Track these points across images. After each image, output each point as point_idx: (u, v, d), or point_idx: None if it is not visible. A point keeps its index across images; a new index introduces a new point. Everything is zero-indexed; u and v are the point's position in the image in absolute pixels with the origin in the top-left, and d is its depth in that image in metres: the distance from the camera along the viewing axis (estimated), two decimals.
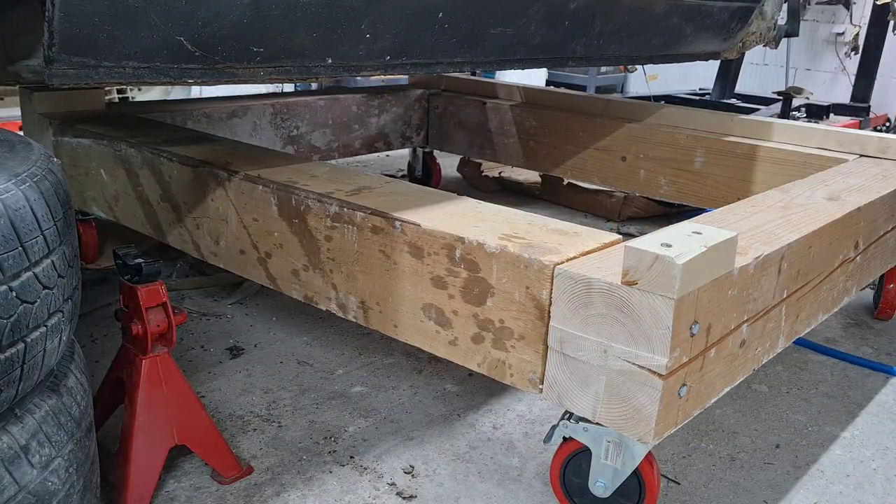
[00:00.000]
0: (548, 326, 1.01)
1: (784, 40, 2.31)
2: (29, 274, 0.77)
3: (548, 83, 5.07)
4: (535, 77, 4.78)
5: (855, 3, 4.25)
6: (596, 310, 0.96)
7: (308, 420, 1.38)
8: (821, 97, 4.84)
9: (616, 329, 0.95)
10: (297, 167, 1.43)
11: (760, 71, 5.05)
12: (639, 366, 0.93)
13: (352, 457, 1.28)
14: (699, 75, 4.52)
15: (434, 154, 2.90)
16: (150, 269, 1.11)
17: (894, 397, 1.56)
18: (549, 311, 1.01)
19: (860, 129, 4.71)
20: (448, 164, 3.02)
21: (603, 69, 5.21)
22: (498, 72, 4.38)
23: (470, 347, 1.11)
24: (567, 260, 1.01)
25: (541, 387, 1.04)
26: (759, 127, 2.04)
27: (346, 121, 2.50)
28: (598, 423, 1.01)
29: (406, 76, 2.91)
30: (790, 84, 5.03)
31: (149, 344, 1.09)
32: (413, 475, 1.25)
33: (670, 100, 3.32)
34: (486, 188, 2.96)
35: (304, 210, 1.27)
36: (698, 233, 0.97)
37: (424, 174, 2.89)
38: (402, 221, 1.14)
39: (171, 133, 1.70)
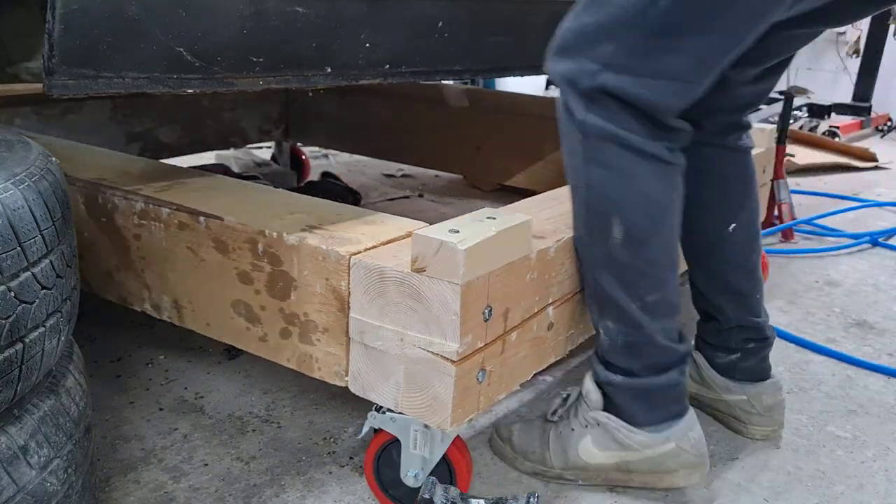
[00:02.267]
0: (348, 318, 1.01)
1: None
2: (27, 274, 0.77)
3: (548, 83, 5.08)
4: (535, 79, 4.78)
5: None
6: (391, 298, 0.96)
7: (307, 421, 1.38)
8: (822, 96, 4.84)
9: (410, 317, 0.95)
10: (113, 164, 1.38)
11: None
12: (433, 353, 0.94)
13: (351, 457, 1.28)
14: None
15: (300, 147, 2.86)
16: None
17: (895, 398, 1.56)
18: (349, 302, 1.00)
19: (862, 128, 4.72)
20: None
21: None
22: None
23: (279, 343, 1.11)
24: (365, 250, 1.01)
25: (346, 379, 1.05)
26: None
27: (197, 115, 2.39)
28: (402, 413, 1.01)
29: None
30: (792, 83, 5.02)
31: None
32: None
33: None
34: (486, 187, 2.96)
35: (111, 208, 1.25)
36: (492, 217, 0.98)
37: (293, 168, 2.84)
38: (206, 216, 1.13)
39: None
